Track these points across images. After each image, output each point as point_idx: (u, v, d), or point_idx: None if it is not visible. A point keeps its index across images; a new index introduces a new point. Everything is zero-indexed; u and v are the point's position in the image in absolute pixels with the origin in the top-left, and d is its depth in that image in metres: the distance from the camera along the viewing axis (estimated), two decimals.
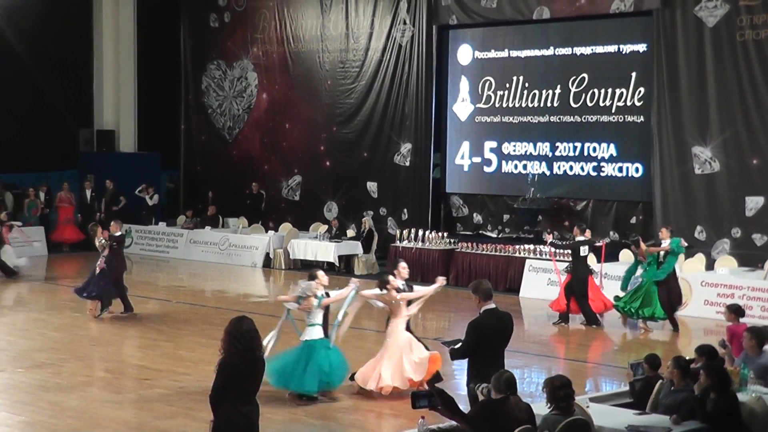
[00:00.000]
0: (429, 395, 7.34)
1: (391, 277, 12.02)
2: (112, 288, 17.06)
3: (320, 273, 12.06)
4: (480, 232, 23.53)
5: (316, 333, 11.75)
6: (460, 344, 9.23)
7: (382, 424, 11.05)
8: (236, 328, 7.11)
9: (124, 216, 24.19)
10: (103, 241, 17.14)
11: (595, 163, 21.79)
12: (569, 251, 17.64)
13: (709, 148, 19.66)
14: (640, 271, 16.83)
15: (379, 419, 11.19)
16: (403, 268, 12.44)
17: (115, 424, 10.87)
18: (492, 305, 9.14)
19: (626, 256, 20.10)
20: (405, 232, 22.53)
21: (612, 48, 21.52)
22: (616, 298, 17.06)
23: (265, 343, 11.19)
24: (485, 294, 9.16)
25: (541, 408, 8.19)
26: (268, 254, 24.22)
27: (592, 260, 17.99)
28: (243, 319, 7.20)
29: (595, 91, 21.65)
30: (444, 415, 7.59)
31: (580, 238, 17.37)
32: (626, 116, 21.30)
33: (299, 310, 11.82)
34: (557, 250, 18.63)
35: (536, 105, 22.58)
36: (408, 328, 12.15)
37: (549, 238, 18.78)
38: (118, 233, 17.29)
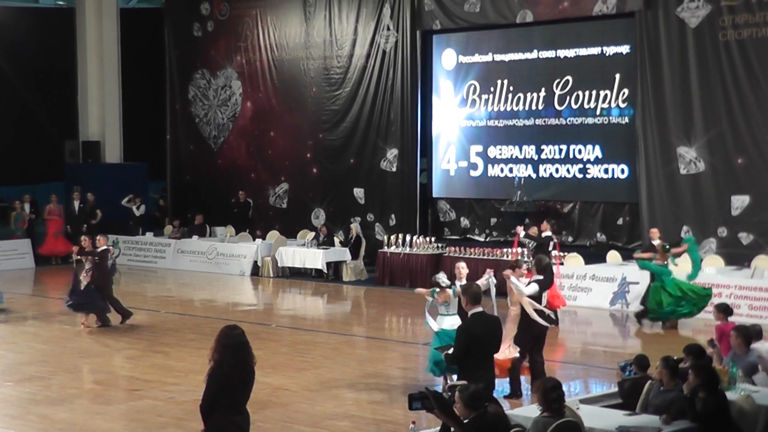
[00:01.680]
0: (424, 397, 7.31)
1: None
2: (90, 301, 17.03)
3: (460, 264, 12.80)
4: (468, 236, 23.57)
5: (448, 323, 12.05)
6: (452, 349, 9.26)
7: (373, 430, 11.04)
8: (227, 338, 7.11)
9: (112, 227, 24.12)
10: (73, 255, 17.16)
11: (580, 165, 21.85)
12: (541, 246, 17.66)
13: (693, 148, 19.73)
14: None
15: (370, 426, 11.18)
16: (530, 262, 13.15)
17: None
18: (480, 309, 9.16)
19: (613, 257, 20.15)
20: (393, 237, 22.52)
21: (595, 50, 21.59)
22: (659, 304, 16.56)
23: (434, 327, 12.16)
24: (474, 297, 9.18)
25: (531, 411, 8.19)
26: (256, 262, 24.19)
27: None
28: (234, 329, 7.19)
29: (580, 93, 21.72)
30: (439, 418, 7.57)
31: (546, 233, 17.45)
32: (611, 118, 21.37)
33: (438, 301, 12.21)
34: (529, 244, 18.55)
35: (521, 108, 22.63)
36: None
37: (519, 229, 18.66)
38: (103, 247, 17.22)
